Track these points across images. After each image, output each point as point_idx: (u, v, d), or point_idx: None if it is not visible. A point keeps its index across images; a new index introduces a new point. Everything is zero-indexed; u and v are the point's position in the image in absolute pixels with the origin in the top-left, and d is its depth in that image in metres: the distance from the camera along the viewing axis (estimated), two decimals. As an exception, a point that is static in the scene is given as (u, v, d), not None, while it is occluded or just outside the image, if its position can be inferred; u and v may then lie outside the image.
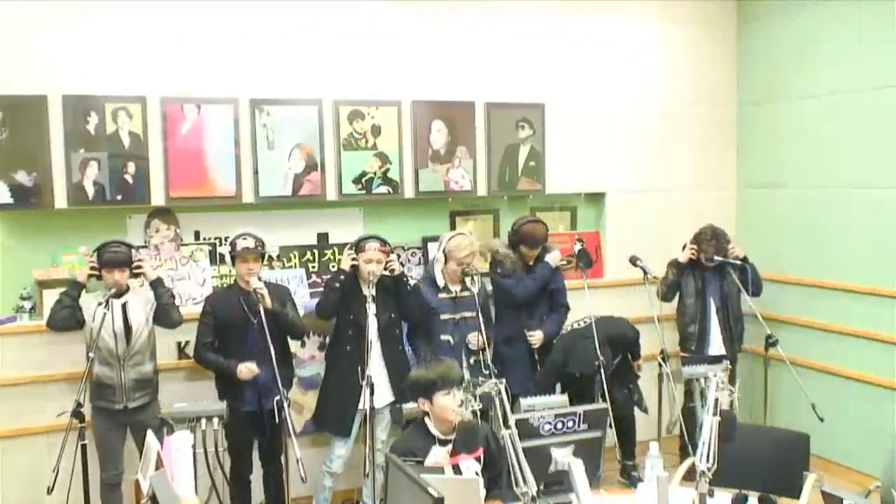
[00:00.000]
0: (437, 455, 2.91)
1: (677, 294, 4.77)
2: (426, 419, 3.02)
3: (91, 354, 3.51)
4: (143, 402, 3.75)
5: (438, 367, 3.07)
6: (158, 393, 3.87)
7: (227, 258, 4.04)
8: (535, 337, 4.41)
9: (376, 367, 3.90)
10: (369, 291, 3.81)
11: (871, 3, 4.59)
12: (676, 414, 4.21)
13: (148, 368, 3.79)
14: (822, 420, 3.85)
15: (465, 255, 4.10)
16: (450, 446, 2.96)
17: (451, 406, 2.92)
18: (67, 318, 3.67)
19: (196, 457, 2.88)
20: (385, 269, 3.97)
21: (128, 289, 3.76)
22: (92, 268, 3.70)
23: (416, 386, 3.07)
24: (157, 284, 3.81)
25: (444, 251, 4.17)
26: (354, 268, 3.99)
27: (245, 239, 3.87)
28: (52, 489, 3.16)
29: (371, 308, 3.82)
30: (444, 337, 4.14)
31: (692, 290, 4.72)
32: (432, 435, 2.98)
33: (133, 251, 3.77)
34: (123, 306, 3.72)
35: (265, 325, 3.64)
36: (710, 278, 4.71)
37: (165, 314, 3.80)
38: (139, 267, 3.74)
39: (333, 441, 4.11)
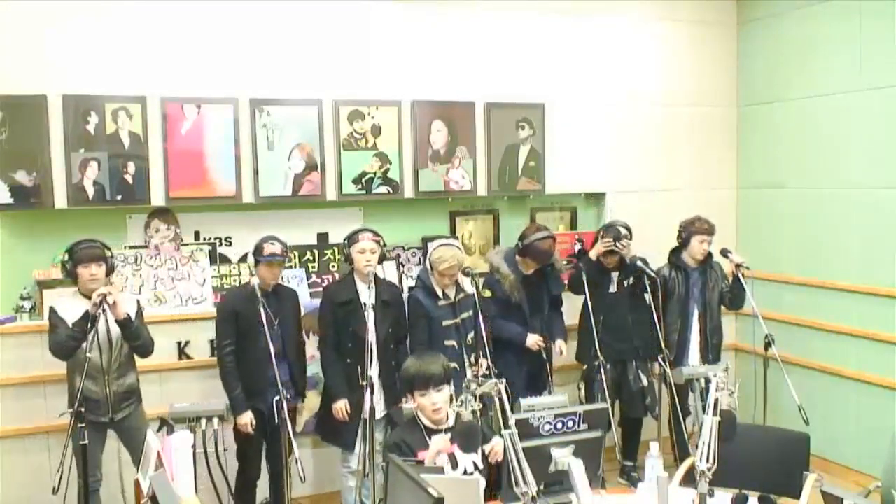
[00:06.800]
0: (438, 443, 2.90)
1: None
2: (418, 412, 3.02)
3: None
4: (128, 412, 3.70)
5: (418, 364, 3.02)
6: (142, 398, 3.81)
7: (251, 259, 4.03)
8: (558, 347, 4.43)
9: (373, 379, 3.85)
10: (369, 300, 3.73)
11: (871, 3, 4.59)
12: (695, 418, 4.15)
13: (132, 379, 3.73)
14: (807, 423, 3.83)
15: (446, 268, 4.02)
16: (448, 435, 2.93)
17: (428, 406, 2.93)
18: (74, 350, 3.51)
19: (196, 457, 2.88)
20: (379, 263, 3.96)
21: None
22: (63, 266, 3.58)
23: (403, 380, 3.08)
24: (125, 324, 3.58)
25: (430, 261, 4.14)
26: (350, 263, 3.97)
27: (273, 244, 3.84)
28: (57, 489, 3.15)
29: (370, 317, 3.71)
30: (448, 342, 4.10)
31: (675, 297, 4.50)
32: (423, 426, 2.98)
33: (107, 251, 3.63)
34: (104, 314, 3.57)
35: (286, 327, 3.68)
36: (694, 282, 4.51)
37: (137, 352, 3.71)
38: (112, 303, 3.50)
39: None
